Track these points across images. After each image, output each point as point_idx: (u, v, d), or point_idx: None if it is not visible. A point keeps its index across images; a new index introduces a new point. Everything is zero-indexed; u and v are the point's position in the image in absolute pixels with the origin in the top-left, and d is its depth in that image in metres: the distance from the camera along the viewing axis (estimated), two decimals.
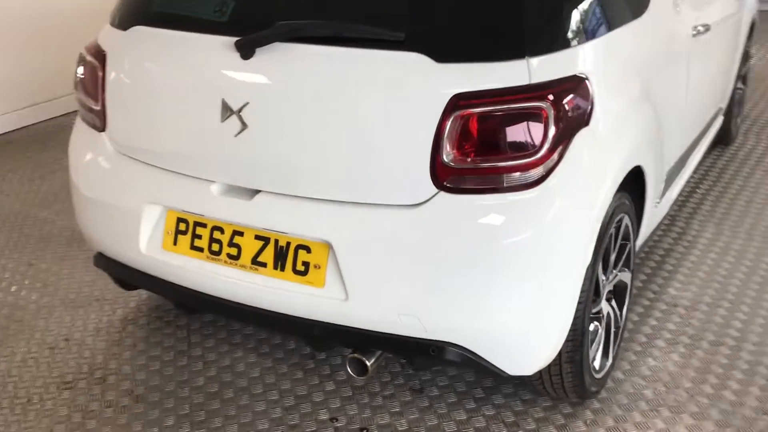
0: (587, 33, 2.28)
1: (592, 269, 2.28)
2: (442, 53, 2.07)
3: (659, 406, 2.61)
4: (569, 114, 2.10)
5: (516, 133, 2.06)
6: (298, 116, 2.19)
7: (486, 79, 2.06)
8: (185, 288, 2.47)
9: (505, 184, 2.07)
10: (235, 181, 2.33)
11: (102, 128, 2.60)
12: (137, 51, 2.49)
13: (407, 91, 2.10)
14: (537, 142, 2.05)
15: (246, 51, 2.21)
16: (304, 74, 2.19)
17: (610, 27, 2.42)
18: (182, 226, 2.44)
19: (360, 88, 2.14)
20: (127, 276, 2.68)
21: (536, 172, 2.07)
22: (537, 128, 2.05)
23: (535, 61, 2.08)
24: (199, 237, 2.41)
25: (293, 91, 2.20)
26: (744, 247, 3.66)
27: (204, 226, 2.40)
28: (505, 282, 2.11)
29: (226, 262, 2.37)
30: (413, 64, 2.09)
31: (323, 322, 2.27)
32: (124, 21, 2.54)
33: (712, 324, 3.05)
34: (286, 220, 2.26)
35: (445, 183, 2.09)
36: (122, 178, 2.55)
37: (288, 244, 2.27)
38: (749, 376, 2.75)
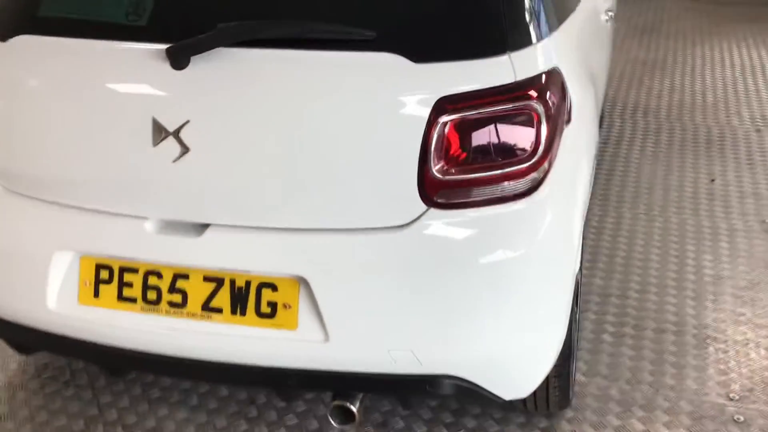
0: (551, 23, 2.11)
1: (579, 275, 2.13)
2: (420, 52, 1.81)
3: (630, 405, 2.52)
4: (557, 112, 1.92)
5: (511, 136, 1.85)
6: (253, 134, 1.85)
7: (471, 78, 1.82)
8: (112, 347, 2.05)
9: (500, 195, 1.86)
10: (176, 215, 1.95)
11: None
12: (24, 65, 2.03)
13: (385, 98, 1.82)
14: (532, 145, 1.85)
15: (179, 60, 1.83)
16: (256, 84, 1.84)
17: (565, 15, 2.28)
18: (104, 274, 2.02)
19: (328, 97, 1.83)
20: (28, 339, 2.21)
21: (532, 178, 1.87)
22: (531, 130, 1.85)
23: (516, 55, 1.87)
24: (129, 285, 2.00)
25: (245, 104, 1.85)
26: (648, 228, 3.69)
27: (134, 271, 1.99)
28: (509, 304, 1.90)
29: (167, 311, 1.98)
30: (388, 66, 1.81)
31: (299, 369, 1.95)
32: (3, 29, 2.06)
33: (648, 311, 3.02)
34: (246, 256, 1.91)
35: (435, 198, 1.84)
36: (14, 223, 2.08)
37: (247, 283, 1.93)
38: (702, 361, 2.73)
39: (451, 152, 1.82)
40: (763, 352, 2.78)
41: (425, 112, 1.80)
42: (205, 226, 1.93)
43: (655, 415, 2.48)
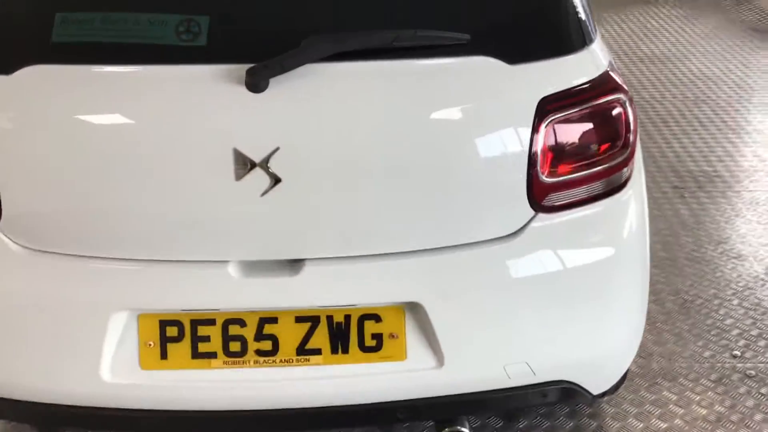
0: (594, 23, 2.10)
1: None
2: (513, 53, 1.73)
3: (654, 377, 2.60)
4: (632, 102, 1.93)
5: (608, 129, 1.82)
6: (352, 155, 1.68)
7: (564, 75, 1.78)
8: (187, 412, 1.80)
9: (600, 191, 1.83)
10: (265, 254, 1.73)
11: None
12: (45, 99, 1.69)
13: (488, 104, 1.73)
14: (624, 136, 1.84)
15: (259, 81, 1.62)
16: (349, 101, 1.68)
17: None
18: (172, 331, 1.76)
19: (428, 108, 1.70)
20: (69, 419, 1.88)
21: (625, 170, 1.86)
22: (622, 121, 1.83)
23: (592, 49, 1.85)
24: (205, 339, 1.76)
25: (339, 123, 1.67)
26: None
27: (211, 323, 1.76)
28: (611, 300, 1.89)
29: (256, 362, 1.77)
30: (485, 70, 1.72)
31: (409, 400, 1.82)
32: (6, 60, 1.71)
33: None
34: (349, 290, 1.74)
35: (542, 203, 1.78)
36: (49, 289, 1.75)
37: (347, 318, 1.76)
38: (693, 326, 2.89)
39: (557, 153, 1.76)
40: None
41: (529, 115, 1.72)
42: (298, 261, 1.74)
43: (680, 383, 2.58)
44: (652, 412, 2.46)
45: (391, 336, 1.77)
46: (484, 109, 1.73)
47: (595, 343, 1.89)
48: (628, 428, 2.39)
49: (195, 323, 1.76)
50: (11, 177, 1.71)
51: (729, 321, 2.91)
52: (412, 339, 1.78)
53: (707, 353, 2.74)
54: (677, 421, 2.43)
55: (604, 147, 1.80)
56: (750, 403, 2.49)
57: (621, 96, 1.82)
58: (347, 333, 1.77)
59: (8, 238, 1.74)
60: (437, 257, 1.75)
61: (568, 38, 1.80)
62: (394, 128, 1.69)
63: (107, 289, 1.74)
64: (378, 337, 1.77)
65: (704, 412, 2.45)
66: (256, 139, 1.64)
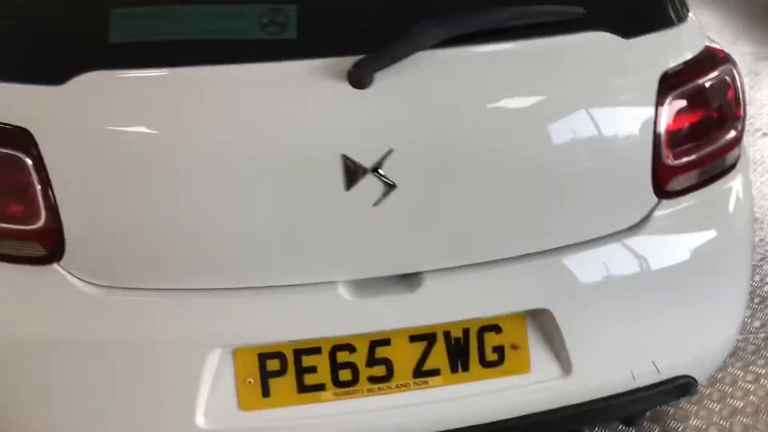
0: None
1: None
2: (626, 26, 1.58)
3: None
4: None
5: (723, 102, 1.68)
6: (471, 150, 1.50)
7: (680, 47, 1.64)
8: None
9: (720, 169, 1.71)
10: (379, 270, 1.54)
11: (51, 257, 1.50)
12: (110, 110, 1.44)
13: (609, 84, 1.57)
14: (737, 109, 1.71)
15: (366, 75, 1.41)
16: (464, 90, 1.49)
17: None
18: (273, 365, 1.55)
19: (549, 93, 1.53)
20: None
21: (739, 147, 1.74)
22: (733, 94, 1.70)
23: (692, 18, 1.71)
24: (312, 370, 1.56)
25: (457, 117, 1.49)
26: None
27: (316, 351, 1.56)
28: (729, 286, 1.78)
29: (370, 390, 1.58)
30: (602, 46, 1.56)
31: (533, 413, 1.66)
32: (57, 68, 1.45)
33: None
34: (472, 300, 1.57)
35: (666, 188, 1.64)
36: (129, 328, 1.52)
37: (465, 332, 1.59)
38: None
39: (681, 132, 1.62)
40: None
41: (652, 92, 1.58)
42: (413, 275, 1.55)
43: (740, 357, 2.51)
44: (725, 391, 2.37)
45: (513, 347, 1.61)
46: (606, 89, 1.57)
47: (713, 333, 1.78)
48: (708, 408, 2.29)
49: (299, 353, 1.55)
50: (75, 205, 1.46)
51: (767, 288, 2.85)
52: (536, 348, 1.62)
53: (757, 323, 2.67)
54: (752, 398, 2.35)
55: (723, 121, 1.67)
56: None
57: (732, 66, 1.69)
58: (467, 348, 1.60)
59: (74, 276, 1.50)
60: (561, 257, 1.59)
61: (674, 6, 1.65)
62: (513, 118, 1.51)
63: (199, 325, 1.51)
64: (499, 349, 1.61)
65: None
66: (366, 142, 1.44)
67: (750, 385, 2.39)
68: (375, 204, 1.46)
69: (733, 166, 1.73)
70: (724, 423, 2.25)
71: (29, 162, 1.44)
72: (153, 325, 1.51)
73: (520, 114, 1.51)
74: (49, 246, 1.48)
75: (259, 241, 1.48)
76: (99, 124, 1.43)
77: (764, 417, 2.28)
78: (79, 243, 1.47)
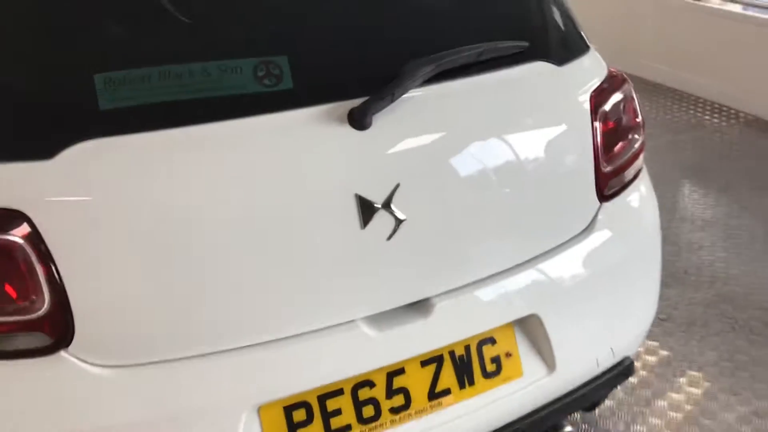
0: None
1: None
2: (558, 55, 1.80)
3: None
4: None
5: (632, 113, 1.94)
6: (462, 176, 1.61)
7: (594, 70, 1.89)
8: None
9: (634, 173, 1.96)
10: (394, 301, 1.58)
11: (58, 345, 1.37)
12: (107, 181, 1.36)
13: (559, 106, 1.77)
14: (638, 119, 1.98)
15: (368, 117, 1.48)
16: (449, 121, 1.60)
17: None
18: (299, 416, 1.54)
19: (519, 117, 1.70)
20: None
21: (643, 152, 2.01)
22: (634, 106, 1.97)
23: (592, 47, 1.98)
24: (337, 413, 1.57)
25: (446, 146, 1.59)
26: None
27: (339, 393, 1.57)
28: (656, 273, 2.04)
29: (393, 421, 1.61)
30: (546, 73, 1.76)
31: (526, 414, 1.79)
32: (45, 142, 1.34)
33: None
34: (474, 317, 1.67)
35: (605, 192, 1.86)
36: (148, 406, 1.42)
37: (467, 348, 1.69)
38: None
39: (609, 142, 1.85)
40: None
41: (587, 109, 1.80)
42: (422, 302, 1.62)
43: None
44: None
45: (507, 355, 1.73)
46: (557, 110, 1.76)
47: (643, 315, 2.02)
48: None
49: (323, 399, 1.55)
50: (83, 283, 1.36)
51: None
52: (524, 353, 1.75)
53: None
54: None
55: (633, 129, 1.93)
56: None
57: (630, 84, 1.96)
58: (470, 364, 1.69)
59: (82, 361, 1.38)
60: (540, 266, 1.75)
61: (581, 38, 1.90)
62: (492, 143, 1.65)
63: (224, 388, 1.46)
64: (496, 360, 1.72)
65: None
66: (375, 180, 1.50)
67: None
68: (389, 238, 1.52)
69: (641, 169, 2.00)
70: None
71: (27, 245, 1.32)
72: (177, 398, 1.43)
73: (494, 140, 1.65)
74: (56, 332, 1.36)
75: (280, 293, 1.47)
76: (96, 196, 1.36)
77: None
78: (89, 323, 1.37)
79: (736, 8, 5.61)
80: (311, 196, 1.47)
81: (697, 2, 5.69)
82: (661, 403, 2.53)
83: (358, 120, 1.47)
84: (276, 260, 1.45)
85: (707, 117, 5.20)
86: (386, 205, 1.50)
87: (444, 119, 1.60)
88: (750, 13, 5.57)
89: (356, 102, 1.48)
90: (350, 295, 1.54)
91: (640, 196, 1.98)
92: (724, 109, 5.29)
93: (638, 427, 2.43)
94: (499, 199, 1.66)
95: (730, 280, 3.23)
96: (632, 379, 2.53)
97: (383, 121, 1.50)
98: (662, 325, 2.87)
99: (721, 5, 5.65)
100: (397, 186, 1.51)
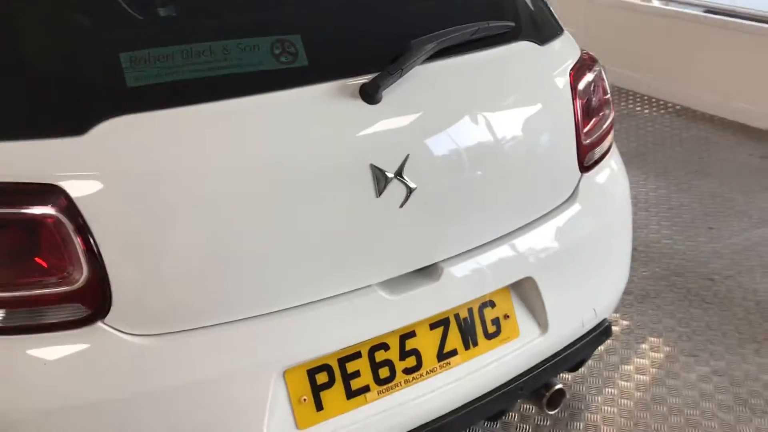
0: None
1: None
2: (539, 35, 1.93)
3: None
4: None
5: (604, 90, 2.08)
6: (462, 146, 1.71)
7: (569, 50, 2.02)
8: None
9: (606, 149, 2.10)
10: (405, 267, 1.67)
11: (96, 315, 1.41)
12: (140, 155, 1.41)
13: (545, 82, 1.89)
14: (608, 96, 2.12)
15: (375, 93, 1.57)
16: (449, 96, 1.70)
17: None
18: (322, 378, 1.61)
19: (510, 92, 1.81)
20: None
21: (613, 128, 2.16)
22: (604, 85, 2.11)
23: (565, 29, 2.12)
24: (356, 375, 1.65)
25: (448, 119, 1.69)
26: None
27: (357, 356, 1.65)
28: (629, 236, 2.19)
29: (407, 381, 1.71)
30: (531, 52, 1.89)
31: (522, 373, 1.90)
32: (76, 119, 1.38)
33: None
34: (476, 281, 1.77)
35: (584, 164, 1.99)
36: (182, 373, 1.47)
37: (470, 311, 1.79)
38: None
39: (587, 116, 1.98)
40: None
41: (567, 85, 1.93)
42: (430, 267, 1.71)
43: None
44: None
45: (505, 317, 1.84)
46: (543, 86, 1.89)
47: (621, 278, 2.17)
48: None
49: (342, 362, 1.63)
50: (120, 254, 1.40)
51: None
52: (520, 315, 1.87)
53: None
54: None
55: (605, 105, 2.07)
56: None
57: (599, 64, 2.11)
58: (473, 326, 1.79)
59: (118, 330, 1.43)
60: (532, 232, 1.87)
61: (556, 21, 2.04)
62: (488, 116, 1.76)
63: (256, 353, 1.53)
64: (496, 321, 1.83)
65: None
66: (387, 151, 1.59)
67: None
68: (401, 206, 1.61)
69: (611, 143, 2.15)
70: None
71: (65, 218, 1.36)
72: (209, 365, 1.49)
73: (490, 114, 1.76)
74: (94, 303, 1.40)
75: (305, 260, 1.54)
76: (128, 169, 1.41)
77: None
78: (126, 293, 1.41)
79: (657, 4, 5.94)
80: (330, 167, 1.54)
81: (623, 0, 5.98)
82: (628, 368, 2.69)
83: (371, 94, 1.56)
84: (299, 230, 1.52)
85: (638, 108, 5.47)
86: (398, 174, 1.59)
87: (444, 94, 1.70)
88: (671, 8, 5.90)
89: (365, 78, 1.58)
90: (368, 260, 1.62)
91: (612, 168, 2.13)
92: (654, 100, 5.58)
93: (610, 389, 2.58)
94: (496, 168, 1.77)
95: (676, 255, 3.43)
96: (599, 347, 2.68)
97: (391, 95, 1.59)
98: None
99: (644, 2, 5.96)
100: (407, 156, 1.60)
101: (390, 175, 1.59)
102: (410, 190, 1.62)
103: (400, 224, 1.63)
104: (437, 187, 1.67)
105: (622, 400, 2.54)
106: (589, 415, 2.48)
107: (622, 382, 2.62)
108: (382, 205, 1.59)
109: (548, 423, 2.43)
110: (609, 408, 2.50)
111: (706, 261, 3.39)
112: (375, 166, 1.57)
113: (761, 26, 5.07)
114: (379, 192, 1.58)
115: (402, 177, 1.60)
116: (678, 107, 5.44)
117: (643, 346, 2.80)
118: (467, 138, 1.72)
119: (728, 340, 2.84)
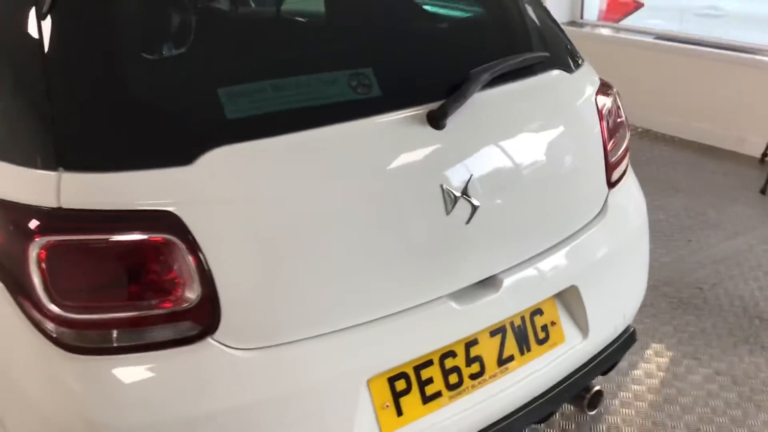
0: None
1: None
2: (568, 64, 2.11)
3: None
4: None
5: (620, 114, 2.26)
6: (517, 167, 1.87)
7: (591, 77, 2.21)
8: None
9: (626, 164, 2.28)
10: (469, 279, 1.81)
11: (206, 332, 1.51)
12: (244, 181, 1.53)
13: (578, 106, 2.08)
14: (623, 119, 2.31)
15: (441, 119, 1.72)
16: (505, 121, 1.88)
17: None
18: (401, 385, 1.73)
19: (551, 117, 1.99)
20: None
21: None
22: (620, 107, 2.30)
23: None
24: (430, 381, 1.77)
25: (503, 141, 1.85)
26: None
27: (429, 364, 1.78)
28: (647, 247, 2.37)
29: (473, 386, 1.84)
30: (563, 79, 2.07)
31: (566, 377, 2.05)
32: (184, 150, 1.50)
33: None
34: (531, 291, 1.92)
35: (611, 180, 2.17)
36: (281, 386, 1.58)
37: (522, 319, 1.94)
38: None
39: (611, 135, 2.16)
40: None
41: (594, 108, 2.11)
42: (491, 279, 1.85)
43: None
44: None
45: (552, 324, 1.99)
46: (576, 111, 2.07)
47: (643, 285, 2.34)
48: None
49: (417, 369, 1.75)
50: (229, 274, 1.51)
51: None
52: (565, 322, 2.02)
53: None
54: None
55: (620, 126, 2.25)
56: None
57: (613, 88, 2.30)
58: (526, 333, 1.94)
59: (226, 345, 1.53)
60: (574, 243, 2.03)
61: (576, 51, 2.22)
62: (535, 138, 1.93)
63: (348, 363, 1.64)
64: (545, 328, 1.97)
65: None
66: (454, 173, 1.74)
67: None
68: (467, 222, 1.75)
69: (627, 165, 2.33)
70: None
71: (180, 242, 1.46)
72: (305, 375, 1.60)
73: (537, 136, 1.94)
74: (205, 321, 1.50)
75: (388, 275, 1.67)
76: (233, 194, 1.52)
77: None
78: (234, 311, 1.52)
79: (608, 32, 6.28)
80: (405, 189, 1.68)
81: (580, 29, 6.29)
82: (638, 372, 2.86)
83: (438, 120, 1.70)
84: (383, 248, 1.66)
85: None
86: (464, 193, 1.74)
87: (497, 119, 1.87)
88: (622, 36, 6.24)
89: (429, 106, 1.72)
90: (441, 273, 1.76)
91: (631, 184, 2.31)
92: None
93: (624, 393, 2.75)
94: (543, 185, 1.94)
95: (663, 267, 3.65)
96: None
97: (453, 122, 1.74)
98: None
99: (593, 30, 6.28)
100: (471, 177, 1.75)
101: (457, 194, 1.73)
102: (474, 208, 1.76)
103: (466, 239, 1.77)
104: (496, 204, 1.82)
105: (637, 402, 2.70)
106: (608, 417, 2.63)
107: (635, 386, 2.79)
108: (451, 222, 1.73)
109: (573, 427, 2.58)
110: (626, 410, 2.67)
111: (692, 271, 3.61)
112: (445, 188, 1.71)
113: (716, 52, 5.40)
114: (448, 211, 1.72)
115: (467, 196, 1.75)
116: (640, 129, 5.72)
117: (648, 351, 2.98)
118: (519, 158, 1.88)
119: (724, 342, 3.04)
